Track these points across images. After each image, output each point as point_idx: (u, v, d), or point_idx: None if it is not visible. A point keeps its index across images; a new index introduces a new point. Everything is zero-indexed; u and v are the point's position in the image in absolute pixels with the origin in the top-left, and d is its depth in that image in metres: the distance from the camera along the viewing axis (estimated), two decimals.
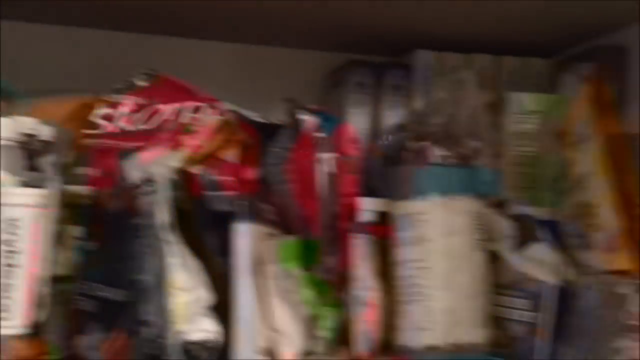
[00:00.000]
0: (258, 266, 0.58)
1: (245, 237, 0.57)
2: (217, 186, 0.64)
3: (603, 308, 0.60)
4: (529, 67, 0.92)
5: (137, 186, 0.56)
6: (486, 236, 0.66)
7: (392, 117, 0.87)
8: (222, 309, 0.57)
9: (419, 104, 0.85)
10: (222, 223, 0.59)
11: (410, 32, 0.88)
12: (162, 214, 0.54)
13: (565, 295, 0.65)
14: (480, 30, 0.87)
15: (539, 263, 0.67)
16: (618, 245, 0.63)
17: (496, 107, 0.82)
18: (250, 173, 0.73)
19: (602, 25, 0.84)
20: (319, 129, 0.69)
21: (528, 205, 0.74)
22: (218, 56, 0.96)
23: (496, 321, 0.67)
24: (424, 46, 0.91)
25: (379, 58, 0.93)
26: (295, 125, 0.69)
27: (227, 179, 0.64)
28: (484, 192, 0.66)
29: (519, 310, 0.66)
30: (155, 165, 0.55)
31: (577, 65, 0.86)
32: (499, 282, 0.67)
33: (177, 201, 0.57)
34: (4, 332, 0.49)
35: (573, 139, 0.68)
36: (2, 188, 0.50)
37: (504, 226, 0.70)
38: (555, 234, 0.70)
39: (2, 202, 0.49)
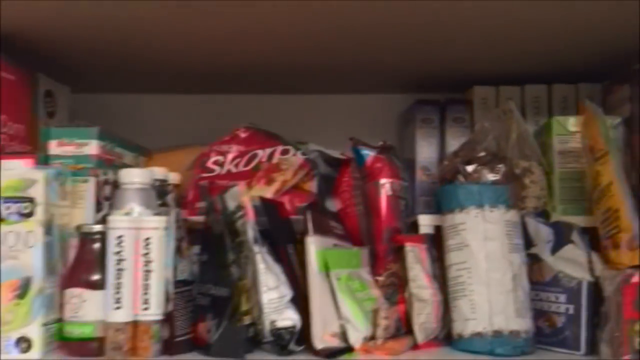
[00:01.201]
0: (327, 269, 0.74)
1: (315, 247, 0.74)
2: (298, 211, 0.82)
3: (618, 296, 0.69)
4: (580, 92, 1.02)
5: (232, 212, 0.75)
6: (522, 240, 0.77)
7: (456, 146, 1.00)
8: (302, 302, 0.73)
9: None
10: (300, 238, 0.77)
11: (469, 70, 1.02)
12: (251, 232, 0.72)
13: (596, 289, 0.75)
14: (532, 63, 0.98)
15: (573, 262, 0.77)
16: (637, 243, 0.72)
17: (546, 130, 0.93)
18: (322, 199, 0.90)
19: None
20: (378, 160, 0.85)
21: (567, 215, 0.85)
22: (308, 107, 1.15)
23: (536, 312, 0.78)
24: (482, 82, 1.04)
25: (443, 95, 1.08)
26: (359, 158, 0.85)
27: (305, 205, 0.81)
28: (510, 204, 0.77)
29: (557, 304, 0.77)
30: (244, 196, 0.73)
31: (620, 88, 0.95)
32: (539, 279, 0.79)
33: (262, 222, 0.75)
34: (145, 318, 0.69)
35: (597, 154, 0.78)
36: (139, 218, 0.70)
37: (544, 232, 0.81)
38: (589, 237, 0.80)
39: (139, 227, 0.70)
